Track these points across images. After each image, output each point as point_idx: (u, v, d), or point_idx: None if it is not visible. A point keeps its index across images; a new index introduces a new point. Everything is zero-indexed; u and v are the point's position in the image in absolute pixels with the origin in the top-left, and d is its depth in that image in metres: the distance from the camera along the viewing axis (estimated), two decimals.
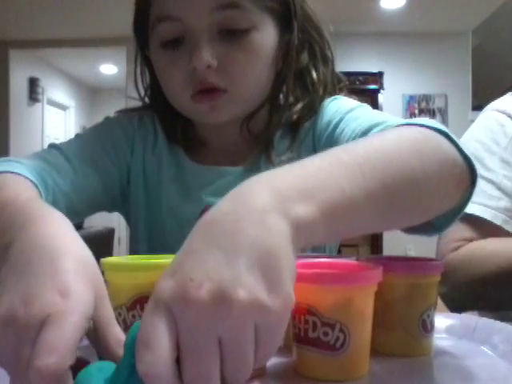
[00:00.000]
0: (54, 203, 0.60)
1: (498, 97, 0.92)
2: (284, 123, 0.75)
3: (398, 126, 0.51)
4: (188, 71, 0.66)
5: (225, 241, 0.31)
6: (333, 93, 0.78)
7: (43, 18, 4.54)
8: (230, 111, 0.70)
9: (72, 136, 0.76)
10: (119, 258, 0.50)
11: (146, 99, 0.80)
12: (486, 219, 0.79)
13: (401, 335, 0.50)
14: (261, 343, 0.30)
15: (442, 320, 0.57)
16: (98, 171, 0.71)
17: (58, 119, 6.37)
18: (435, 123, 0.50)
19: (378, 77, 4.72)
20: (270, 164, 0.72)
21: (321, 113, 0.74)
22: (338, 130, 0.68)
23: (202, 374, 0.29)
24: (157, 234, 0.76)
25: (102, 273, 0.39)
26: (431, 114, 5.04)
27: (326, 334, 0.42)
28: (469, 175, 0.50)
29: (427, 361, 0.49)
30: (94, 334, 0.35)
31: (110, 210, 0.79)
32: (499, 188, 0.80)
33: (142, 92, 0.79)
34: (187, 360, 0.29)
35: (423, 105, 5.05)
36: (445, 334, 0.56)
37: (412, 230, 0.51)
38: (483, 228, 0.79)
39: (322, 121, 0.73)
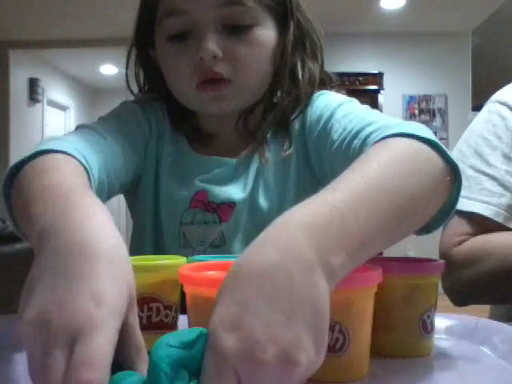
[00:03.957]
0: (100, 182, 0.60)
1: None
2: (273, 121, 0.76)
3: (388, 137, 0.52)
4: (194, 63, 0.69)
5: (282, 300, 0.33)
6: (322, 90, 0.79)
7: (43, 18, 4.54)
8: (233, 102, 0.73)
9: None
10: None
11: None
12: (487, 217, 0.78)
13: (401, 336, 0.50)
14: None
15: (442, 320, 0.57)
16: (131, 146, 0.71)
17: (57, 120, 6.36)
18: (422, 130, 0.52)
19: (377, 77, 4.72)
20: (264, 163, 0.74)
21: (309, 108, 0.75)
22: (329, 126, 0.70)
23: None
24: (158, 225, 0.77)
25: None
26: (431, 114, 5.04)
27: None
28: (454, 176, 0.52)
29: (427, 362, 0.49)
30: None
31: (131, 189, 0.78)
32: (501, 184, 0.79)
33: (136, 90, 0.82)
34: None
35: (423, 105, 5.05)
36: (445, 334, 0.56)
37: None
38: (484, 225, 0.79)
39: (311, 116, 0.75)
